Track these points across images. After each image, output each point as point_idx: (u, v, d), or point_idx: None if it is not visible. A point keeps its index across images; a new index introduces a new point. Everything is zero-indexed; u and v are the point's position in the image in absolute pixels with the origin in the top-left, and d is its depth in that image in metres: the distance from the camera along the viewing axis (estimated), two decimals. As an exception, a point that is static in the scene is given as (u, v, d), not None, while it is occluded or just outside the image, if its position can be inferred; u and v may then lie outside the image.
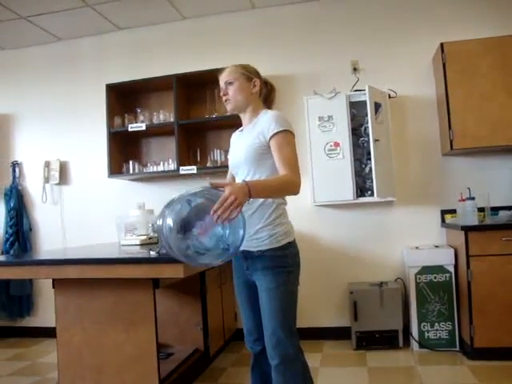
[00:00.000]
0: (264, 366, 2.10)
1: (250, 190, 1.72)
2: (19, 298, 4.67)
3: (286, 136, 1.97)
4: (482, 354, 3.27)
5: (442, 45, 3.66)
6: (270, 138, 1.96)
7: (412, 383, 3.06)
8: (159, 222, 1.74)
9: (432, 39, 3.84)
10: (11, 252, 4.59)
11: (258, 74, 2.17)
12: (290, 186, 1.90)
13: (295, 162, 1.95)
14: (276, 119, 1.98)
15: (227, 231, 1.77)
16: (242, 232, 1.77)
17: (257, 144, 1.99)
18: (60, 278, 2.66)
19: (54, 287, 2.74)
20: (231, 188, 1.68)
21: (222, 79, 2.13)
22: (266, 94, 2.22)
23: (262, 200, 1.95)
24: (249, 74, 2.12)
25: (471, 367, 3.19)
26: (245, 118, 2.16)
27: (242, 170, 2.06)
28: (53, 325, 2.76)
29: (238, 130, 2.26)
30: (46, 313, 4.55)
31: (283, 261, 1.97)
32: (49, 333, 4.19)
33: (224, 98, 2.13)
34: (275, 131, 1.95)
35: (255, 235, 1.97)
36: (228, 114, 3.81)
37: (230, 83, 2.10)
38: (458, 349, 3.52)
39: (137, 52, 4.63)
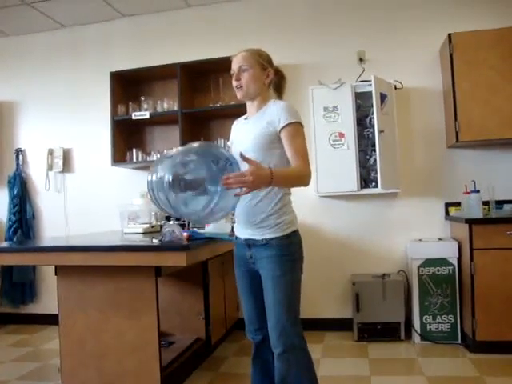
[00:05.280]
0: (265, 355, 2.10)
1: (272, 180, 1.74)
2: (22, 284, 4.69)
3: (298, 128, 1.97)
4: (483, 347, 3.26)
5: (449, 35, 3.61)
6: (282, 129, 1.95)
7: (413, 375, 3.06)
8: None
9: (439, 30, 3.79)
10: (14, 239, 4.60)
11: (271, 63, 2.12)
12: (304, 177, 1.93)
13: (306, 153, 1.96)
14: (287, 110, 1.97)
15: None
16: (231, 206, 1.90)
17: (266, 133, 1.97)
18: (63, 264, 2.66)
19: (56, 274, 2.74)
20: (256, 170, 1.69)
21: (236, 63, 2.07)
22: (277, 83, 2.18)
23: (269, 188, 1.93)
24: (264, 62, 2.08)
25: (473, 360, 3.19)
26: (252, 106, 2.12)
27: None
28: (55, 312, 2.77)
29: (242, 118, 2.24)
30: (48, 300, 4.56)
31: (289, 249, 1.97)
32: (51, 320, 4.18)
33: (235, 84, 2.08)
34: (287, 122, 1.95)
35: (261, 223, 1.96)
36: (233, 102, 3.78)
37: (245, 70, 2.05)
38: (459, 342, 3.52)
39: (141, 40, 4.60)
